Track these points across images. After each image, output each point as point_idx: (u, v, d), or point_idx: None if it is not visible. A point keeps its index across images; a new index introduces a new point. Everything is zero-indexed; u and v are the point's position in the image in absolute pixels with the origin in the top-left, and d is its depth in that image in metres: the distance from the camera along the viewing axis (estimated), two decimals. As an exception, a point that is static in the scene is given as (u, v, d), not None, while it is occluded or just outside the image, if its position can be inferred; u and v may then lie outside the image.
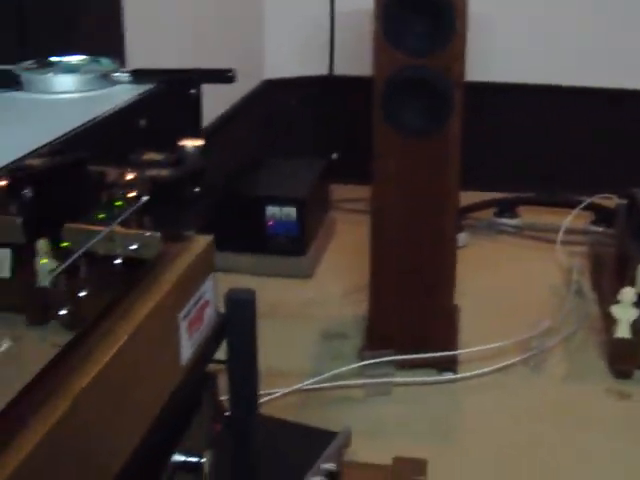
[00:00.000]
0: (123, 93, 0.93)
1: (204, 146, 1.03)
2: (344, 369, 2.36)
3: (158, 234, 0.96)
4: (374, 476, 1.94)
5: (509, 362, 2.44)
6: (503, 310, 2.74)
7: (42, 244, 0.71)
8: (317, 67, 3.60)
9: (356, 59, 3.36)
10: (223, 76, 0.93)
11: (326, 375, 2.33)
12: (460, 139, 2.28)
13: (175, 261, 1.00)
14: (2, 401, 0.69)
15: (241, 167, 3.18)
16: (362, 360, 2.39)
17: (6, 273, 0.67)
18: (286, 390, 2.25)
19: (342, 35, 3.55)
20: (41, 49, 1.10)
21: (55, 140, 0.76)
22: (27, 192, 0.70)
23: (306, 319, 2.68)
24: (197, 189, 1.03)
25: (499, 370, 2.41)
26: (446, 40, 2.17)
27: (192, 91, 0.96)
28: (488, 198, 3.40)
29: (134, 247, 0.87)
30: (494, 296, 2.84)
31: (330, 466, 1.85)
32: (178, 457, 1.00)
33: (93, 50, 1.04)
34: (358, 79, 3.34)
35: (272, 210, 2.92)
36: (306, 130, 3.66)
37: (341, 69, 3.60)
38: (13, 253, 0.68)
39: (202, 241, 1.08)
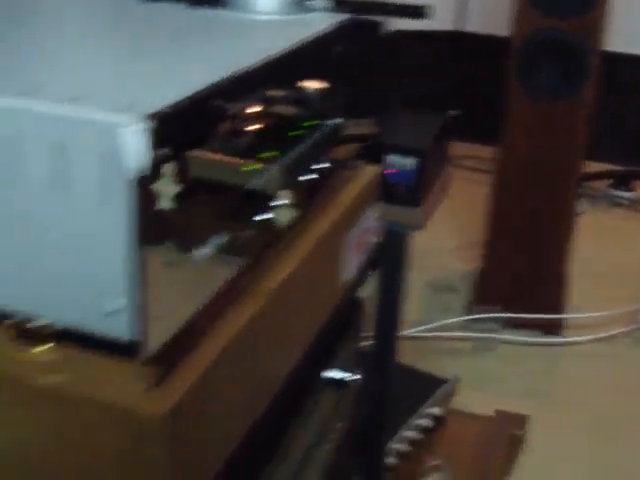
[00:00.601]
0: (319, 20, 0.97)
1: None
2: (452, 321, 2.40)
3: (339, 160, 1.01)
4: (476, 425, 1.99)
5: (614, 332, 2.45)
6: (612, 280, 2.75)
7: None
8: (449, 22, 3.60)
9: (489, 17, 3.36)
10: (416, 12, 0.96)
11: (434, 325, 2.37)
12: (590, 107, 2.28)
13: (348, 186, 1.05)
14: (202, 301, 0.74)
15: (363, 115, 3.21)
16: (470, 314, 2.42)
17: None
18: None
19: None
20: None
21: (259, 62, 0.78)
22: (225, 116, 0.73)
23: (417, 270, 2.70)
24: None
25: (603, 339, 2.43)
26: (590, 4, 2.16)
27: (382, 24, 1.00)
28: (605, 169, 3.38)
29: (325, 166, 0.91)
30: (604, 266, 2.84)
31: (437, 411, 1.90)
32: (329, 373, 1.06)
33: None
34: (488, 37, 3.35)
35: (392, 159, 2.94)
36: (431, 83, 3.67)
37: (472, 26, 3.59)
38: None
39: (371, 170, 1.12)
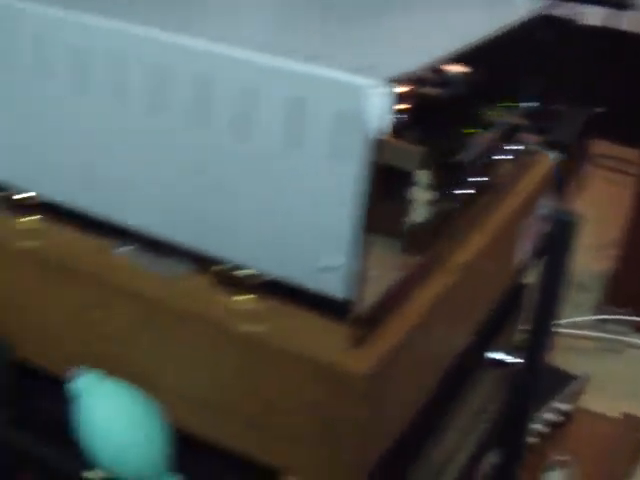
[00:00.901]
0: (522, 4, 0.96)
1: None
2: (581, 319, 2.37)
3: (526, 146, 1.02)
4: (603, 426, 1.97)
5: None
6: None
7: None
8: (599, 19, 3.53)
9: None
10: (620, 2, 0.95)
11: (562, 322, 2.34)
12: None
13: (529, 172, 1.05)
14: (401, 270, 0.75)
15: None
16: (600, 314, 2.39)
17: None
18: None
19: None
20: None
21: (481, 39, 0.78)
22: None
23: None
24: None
25: None
26: None
27: (576, 18, 0.99)
28: None
29: (518, 148, 0.92)
30: None
31: (565, 406, 1.89)
32: (492, 354, 1.06)
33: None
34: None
35: (534, 151, 2.91)
36: (577, 78, 3.61)
37: (629, 24, 3.51)
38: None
39: (548, 159, 1.12)
